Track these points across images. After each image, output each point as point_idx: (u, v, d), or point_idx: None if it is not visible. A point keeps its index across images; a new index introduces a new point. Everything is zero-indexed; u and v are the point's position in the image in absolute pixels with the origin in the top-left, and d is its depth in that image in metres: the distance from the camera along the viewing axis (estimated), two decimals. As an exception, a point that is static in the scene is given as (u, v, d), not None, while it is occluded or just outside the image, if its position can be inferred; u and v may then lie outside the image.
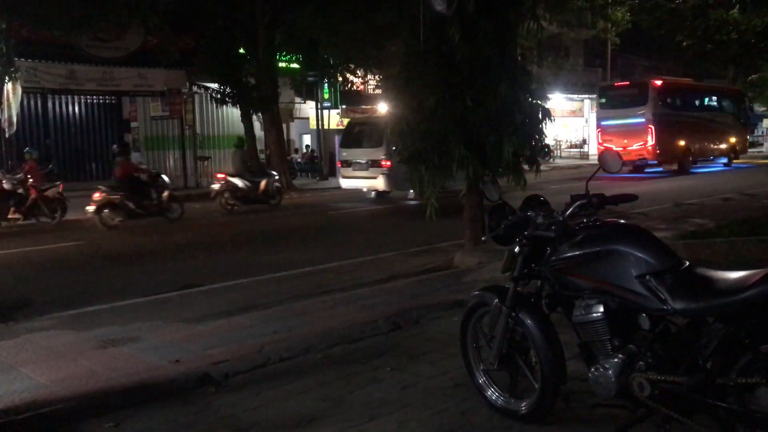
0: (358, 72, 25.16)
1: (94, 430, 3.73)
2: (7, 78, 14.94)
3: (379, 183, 16.29)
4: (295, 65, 24.17)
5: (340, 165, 17.97)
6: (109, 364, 4.62)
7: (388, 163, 15.60)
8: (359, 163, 16.65)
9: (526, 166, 8.25)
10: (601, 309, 2.99)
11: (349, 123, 19.61)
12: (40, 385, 4.24)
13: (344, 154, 17.42)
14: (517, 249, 3.44)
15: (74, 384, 4.23)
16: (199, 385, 4.32)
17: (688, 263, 2.90)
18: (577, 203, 3.25)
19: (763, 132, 39.71)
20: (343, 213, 15.35)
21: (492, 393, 3.66)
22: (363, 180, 16.72)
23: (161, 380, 4.34)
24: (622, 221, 3.19)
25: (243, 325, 5.60)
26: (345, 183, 17.56)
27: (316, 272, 8.32)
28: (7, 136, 16.03)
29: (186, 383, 4.31)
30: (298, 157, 28.20)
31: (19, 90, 15.92)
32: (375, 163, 16.17)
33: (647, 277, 2.84)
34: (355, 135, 17.35)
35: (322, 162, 26.12)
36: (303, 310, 6.01)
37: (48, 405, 3.92)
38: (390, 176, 15.67)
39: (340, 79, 25.02)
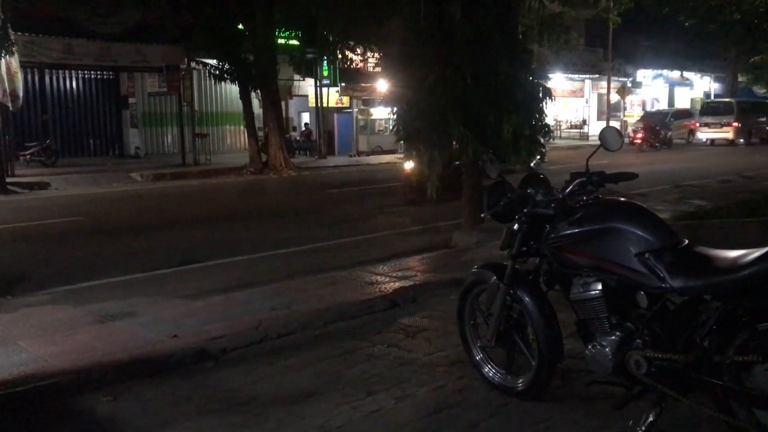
0: (357, 50, 24.95)
1: (91, 404, 3.74)
2: (3, 52, 14.77)
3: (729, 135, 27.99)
4: (294, 42, 23.96)
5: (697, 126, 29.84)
6: (106, 339, 4.63)
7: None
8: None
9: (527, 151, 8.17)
10: (599, 287, 2.99)
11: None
12: (38, 359, 4.24)
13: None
14: (516, 226, 3.43)
15: (72, 358, 4.24)
16: (197, 360, 4.33)
17: (686, 242, 2.89)
18: (577, 181, 3.24)
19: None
20: (342, 192, 15.32)
21: (489, 370, 3.68)
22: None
23: (159, 355, 4.34)
24: (622, 199, 3.18)
25: (241, 302, 5.61)
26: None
27: (313, 250, 8.32)
28: (12, 109, 15.91)
29: (183, 358, 4.32)
30: (296, 135, 28.08)
31: (15, 63, 15.76)
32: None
33: (646, 254, 2.84)
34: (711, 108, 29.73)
35: (321, 140, 26.02)
36: (301, 288, 6.01)
37: (46, 378, 3.92)
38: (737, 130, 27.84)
39: (340, 56, 24.82)
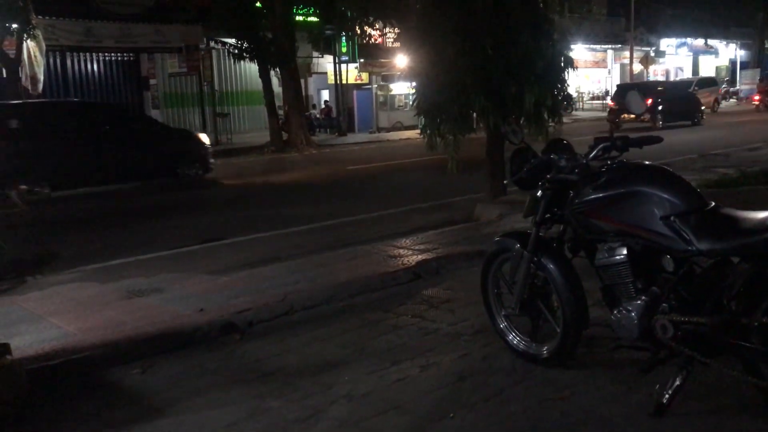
0: (376, 25, 24.78)
1: (121, 377, 3.82)
2: (25, 36, 14.90)
3: None
4: (312, 19, 23.87)
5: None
6: (134, 314, 4.70)
7: None
8: None
9: (548, 118, 8.11)
10: (625, 251, 2.97)
11: None
12: (69, 334, 4.32)
13: None
14: (539, 193, 3.41)
15: (101, 332, 4.31)
16: (224, 333, 4.38)
17: (713, 203, 2.85)
18: (601, 145, 3.20)
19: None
20: (362, 168, 15.32)
21: (513, 338, 3.67)
22: None
23: (186, 329, 4.40)
24: (646, 162, 3.14)
25: (266, 276, 5.65)
26: None
27: (336, 226, 8.35)
28: (32, 93, 16.06)
29: (210, 331, 4.37)
30: (316, 113, 28.06)
31: (44, 47, 15.86)
32: None
33: (672, 218, 2.80)
34: None
35: (341, 117, 25.97)
36: (324, 262, 6.04)
37: (77, 352, 4.00)
38: None
39: (358, 32, 24.66)
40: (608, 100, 28.50)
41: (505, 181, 3.02)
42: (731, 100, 37.80)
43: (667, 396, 2.85)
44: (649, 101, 21.43)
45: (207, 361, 3.97)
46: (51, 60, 21.21)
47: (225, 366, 3.89)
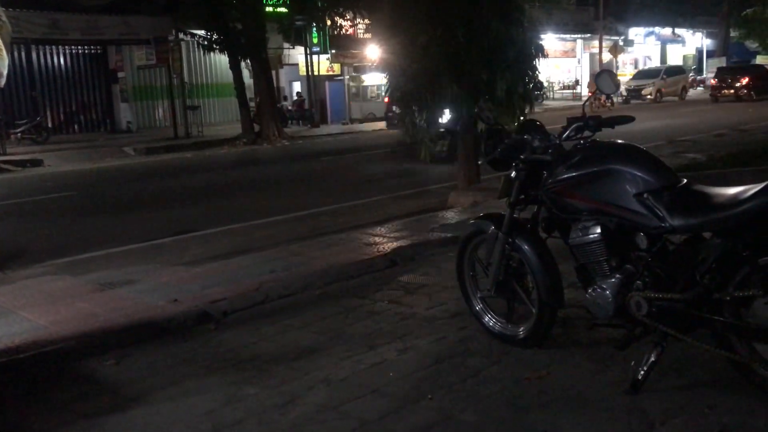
0: (347, 15, 24.66)
1: (95, 368, 3.75)
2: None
3: None
4: (282, 9, 23.64)
5: None
6: (107, 306, 4.62)
7: None
8: None
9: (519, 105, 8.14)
10: (599, 230, 2.99)
11: None
12: (40, 327, 4.24)
13: None
14: (513, 173, 3.42)
15: (74, 324, 4.23)
16: (198, 323, 4.33)
17: (685, 180, 2.88)
18: (574, 125, 3.21)
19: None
20: (336, 159, 15.28)
21: (489, 319, 3.69)
22: None
23: (160, 319, 4.34)
24: (619, 141, 3.16)
25: (240, 266, 5.60)
26: None
27: (310, 216, 8.31)
28: None
29: (185, 321, 4.32)
30: (288, 105, 27.87)
31: (9, 39, 15.50)
32: None
33: (645, 195, 2.83)
34: None
35: (313, 109, 25.83)
36: (300, 251, 6.01)
37: (48, 345, 3.92)
38: None
39: (329, 23, 24.52)
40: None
41: (479, 161, 3.03)
42: (698, 88, 38.38)
43: (642, 372, 2.88)
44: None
45: (182, 350, 3.93)
46: (15, 53, 20.74)
47: (200, 355, 3.84)
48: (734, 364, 2.77)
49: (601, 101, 25.26)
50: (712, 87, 29.11)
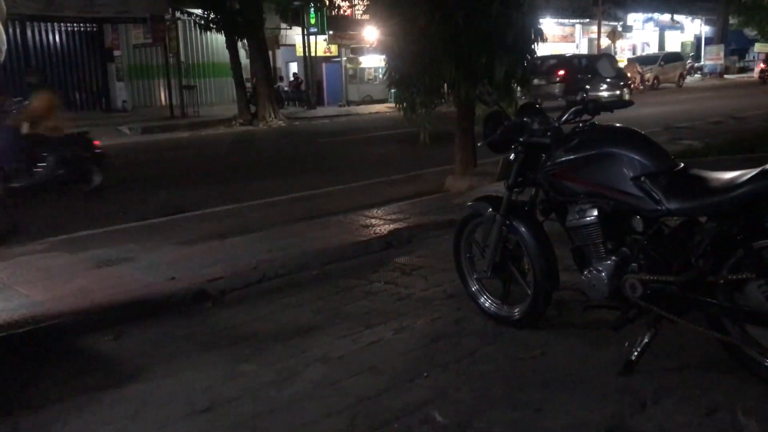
0: (345, -4, 24.54)
1: (93, 343, 3.78)
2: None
3: None
4: (280, -11, 23.47)
5: None
6: (105, 282, 4.65)
7: None
8: None
9: (517, 89, 8.14)
10: (595, 212, 3.02)
11: None
12: (37, 302, 4.26)
13: None
14: (512, 156, 3.44)
15: (71, 301, 4.26)
16: (196, 301, 4.36)
17: (682, 164, 2.91)
18: (573, 109, 3.24)
19: (754, 57, 39.30)
20: (332, 141, 15.25)
21: (485, 300, 3.72)
22: None
23: (158, 296, 4.38)
24: (617, 124, 3.18)
25: (237, 246, 5.62)
26: None
27: (307, 198, 8.30)
28: None
29: (183, 299, 4.35)
30: (284, 86, 27.75)
31: (5, 15, 15.37)
32: None
33: (642, 178, 2.86)
34: None
35: (310, 90, 25.73)
36: (297, 232, 6.03)
37: (46, 320, 3.95)
38: None
39: (327, 3, 24.36)
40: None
41: (479, 144, 3.03)
42: (696, 75, 38.34)
43: (635, 353, 2.92)
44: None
45: (179, 327, 3.96)
46: (10, 30, 20.57)
47: (198, 332, 3.87)
48: (726, 346, 2.81)
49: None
50: (761, 69, 31.72)
